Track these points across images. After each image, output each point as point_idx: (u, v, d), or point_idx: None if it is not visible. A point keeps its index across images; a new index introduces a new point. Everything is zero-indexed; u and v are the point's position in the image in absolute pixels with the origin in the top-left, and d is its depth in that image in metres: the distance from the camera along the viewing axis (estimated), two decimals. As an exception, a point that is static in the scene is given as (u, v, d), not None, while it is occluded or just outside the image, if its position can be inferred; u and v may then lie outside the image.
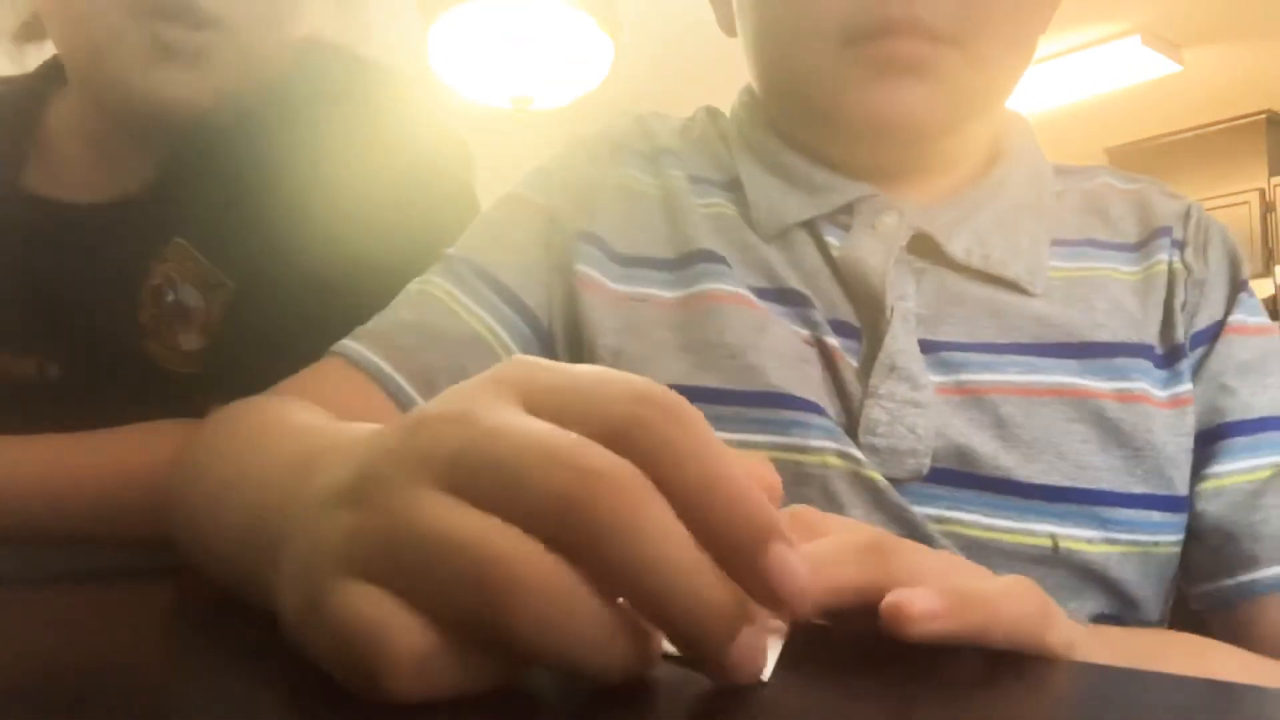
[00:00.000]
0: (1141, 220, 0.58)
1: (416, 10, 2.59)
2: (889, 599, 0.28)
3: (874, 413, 0.50)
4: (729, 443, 0.46)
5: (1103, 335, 0.52)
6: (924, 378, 0.51)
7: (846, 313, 0.53)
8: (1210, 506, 0.52)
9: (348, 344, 0.55)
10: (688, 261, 0.55)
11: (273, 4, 0.68)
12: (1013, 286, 0.54)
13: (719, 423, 0.50)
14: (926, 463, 0.49)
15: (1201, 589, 0.53)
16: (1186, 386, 0.53)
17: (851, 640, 0.30)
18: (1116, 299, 0.54)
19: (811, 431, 0.49)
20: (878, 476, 0.49)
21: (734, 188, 0.59)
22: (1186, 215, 0.58)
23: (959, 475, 0.49)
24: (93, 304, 0.70)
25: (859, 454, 0.49)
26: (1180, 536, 0.52)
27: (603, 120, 0.63)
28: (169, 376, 0.69)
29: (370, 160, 0.67)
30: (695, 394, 0.47)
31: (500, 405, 0.23)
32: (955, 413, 0.50)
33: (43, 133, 0.75)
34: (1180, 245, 0.57)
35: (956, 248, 0.54)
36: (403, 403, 0.53)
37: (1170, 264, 0.56)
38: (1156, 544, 0.50)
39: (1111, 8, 3.32)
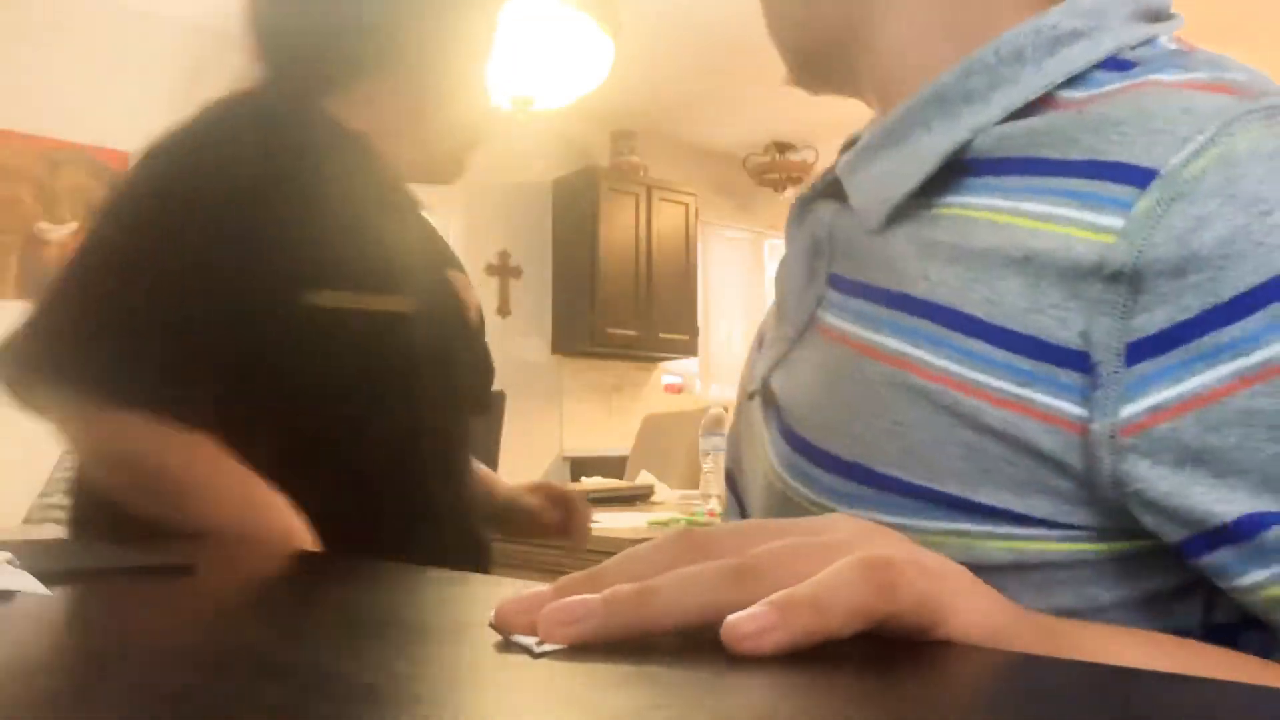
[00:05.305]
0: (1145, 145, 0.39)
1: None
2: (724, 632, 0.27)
3: (765, 354, 0.56)
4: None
5: (919, 290, 0.42)
6: (796, 316, 0.52)
7: None
8: None
9: None
10: None
11: None
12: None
13: None
14: (751, 390, 0.55)
15: None
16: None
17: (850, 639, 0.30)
18: (958, 246, 0.42)
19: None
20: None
21: None
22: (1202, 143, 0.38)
23: (766, 411, 0.52)
24: (426, 272, 0.91)
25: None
26: (1068, 546, 0.39)
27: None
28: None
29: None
30: None
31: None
32: (805, 353, 0.50)
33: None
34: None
35: (850, 182, 0.50)
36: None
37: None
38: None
39: (1111, 7, 3.31)
